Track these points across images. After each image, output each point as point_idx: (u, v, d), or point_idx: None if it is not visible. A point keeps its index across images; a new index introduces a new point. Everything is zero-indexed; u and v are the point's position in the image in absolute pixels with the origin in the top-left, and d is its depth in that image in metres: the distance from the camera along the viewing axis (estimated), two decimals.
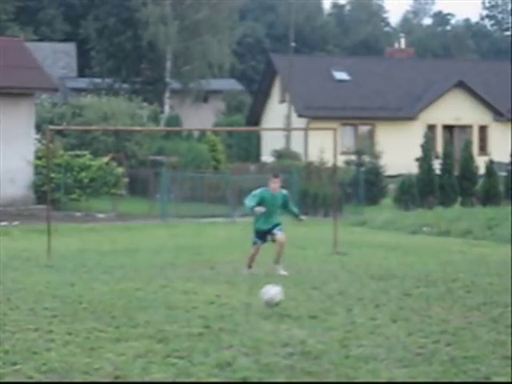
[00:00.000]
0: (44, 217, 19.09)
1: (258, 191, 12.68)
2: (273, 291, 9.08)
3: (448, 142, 37.92)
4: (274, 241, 12.69)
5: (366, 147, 39.08)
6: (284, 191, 12.92)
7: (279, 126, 41.59)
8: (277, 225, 12.65)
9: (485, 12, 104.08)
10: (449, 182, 30.28)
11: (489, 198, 29.51)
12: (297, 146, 40.84)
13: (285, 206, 12.92)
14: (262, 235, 12.68)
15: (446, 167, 30.72)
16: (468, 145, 32.36)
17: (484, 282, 11.56)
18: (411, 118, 42.16)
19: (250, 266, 12.86)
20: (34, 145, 29.10)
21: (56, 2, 63.80)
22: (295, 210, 13.37)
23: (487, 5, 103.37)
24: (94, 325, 8.31)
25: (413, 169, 31.63)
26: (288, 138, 42.39)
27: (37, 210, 26.28)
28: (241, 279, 11.95)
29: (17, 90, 28.26)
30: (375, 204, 32.21)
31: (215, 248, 17.44)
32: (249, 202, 12.53)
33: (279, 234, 12.56)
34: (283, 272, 12.43)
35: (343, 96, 42.68)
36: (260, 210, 12.37)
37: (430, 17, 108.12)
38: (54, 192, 26.35)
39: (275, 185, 12.66)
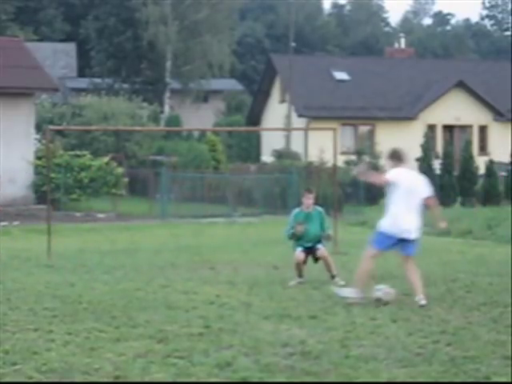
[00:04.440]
0: (44, 217, 19.08)
1: (292, 214, 12.00)
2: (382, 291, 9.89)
3: (448, 142, 37.92)
4: (316, 260, 11.89)
5: (365, 147, 39.06)
6: (319, 208, 12.06)
7: (279, 126, 41.56)
8: (318, 241, 11.87)
9: (485, 12, 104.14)
10: (449, 182, 30.28)
11: (489, 198, 29.50)
12: (297, 146, 40.82)
13: (321, 224, 11.90)
14: (307, 253, 11.85)
15: (446, 167, 30.72)
16: (468, 145, 32.35)
17: (484, 282, 11.56)
18: (411, 117, 42.13)
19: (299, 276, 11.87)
20: (34, 145, 29.11)
21: (56, 2, 63.77)
22: (328, 230, 12.20)
23: (487, 5, 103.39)
24: (94, 325, 8.31)
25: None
26: (288, 138, 42.37)
27: (37, 210, 26.27)
28: (241, 279, 11.95)
29: (17, 90, 28.26)
30: (375, 204, 32.19)
31: (215, 248, 17.44)
32: (286, 232, 11.91)
33: (319, 250, 11.75)
34: (341, 282, 11.28)
35: (343, 96, 42.66)
36: (300, 229, 11.68)
37: (430, 17, 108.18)
38: (54, 192, 26.33)
39: (308, 201, 11.91)
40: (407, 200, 9.80)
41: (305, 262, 11.86)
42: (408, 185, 9.82)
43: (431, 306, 9.60)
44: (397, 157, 10.10)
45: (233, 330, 8.11)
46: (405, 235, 9.83)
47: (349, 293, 9.67)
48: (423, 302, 9.55)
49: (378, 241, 10.02)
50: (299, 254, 11.77)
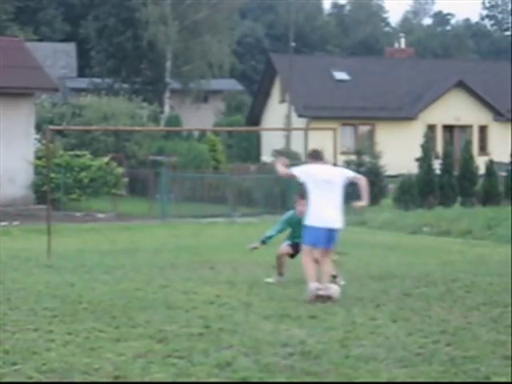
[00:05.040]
0: (44, 217, 19.08)
1: (285, 217, 11.77)
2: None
3: (448, 142, 37.94)
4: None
5: (365, 147, 39.08)
6: None
7: (279, 126, 41.59)
8: None
9: (485, 12, 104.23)
10: (449, 182, 30.27)
11: (489, 198, 29.50)
12: (297, 146, 40.83)
13: None
14: (294, 248, 11.67)
15: (446, 167, 30.71)
16: (468, 145, 32.35)
17: (484, 282, 11.55)
18: (411, 117, 42.16)
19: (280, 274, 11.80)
20: (34, 145, 29.12)
21: (56, 2, 63.82)
22: None
23: (487, 5, 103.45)
24: (94, 325, 8.30)
25: (413, 169, 31.63)
26: (288, 138, 42.39)
27: (37, 210, 26.28)
28: (241, 279, 11.94)
29: (17, 90, 28.27)
30: (375, 204, 32.19)
31: (215, 248, 17.43)
32: (269, 232, 11.78)
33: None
34: (342, 282, 11.23)
35: (343, 96, 42.69)
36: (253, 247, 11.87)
37: (430, 17, 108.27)
38: (54, 192, 26.35)
39: (302, 208, 11.04)
40: (326, 192, 10.22)
41: (291, 255, 11.66)
42: (322, 178, 10.21)
43: (431, 306, 9.60)
44: (315, 155, 10.53)
45: (233, 330, 8.10)
46: (330, 225, 10.22)
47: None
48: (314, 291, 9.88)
49: (309, 237, 10.19)
50: (285, 247, 11.65)
